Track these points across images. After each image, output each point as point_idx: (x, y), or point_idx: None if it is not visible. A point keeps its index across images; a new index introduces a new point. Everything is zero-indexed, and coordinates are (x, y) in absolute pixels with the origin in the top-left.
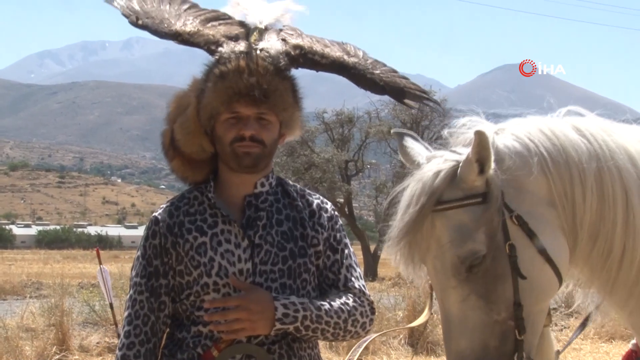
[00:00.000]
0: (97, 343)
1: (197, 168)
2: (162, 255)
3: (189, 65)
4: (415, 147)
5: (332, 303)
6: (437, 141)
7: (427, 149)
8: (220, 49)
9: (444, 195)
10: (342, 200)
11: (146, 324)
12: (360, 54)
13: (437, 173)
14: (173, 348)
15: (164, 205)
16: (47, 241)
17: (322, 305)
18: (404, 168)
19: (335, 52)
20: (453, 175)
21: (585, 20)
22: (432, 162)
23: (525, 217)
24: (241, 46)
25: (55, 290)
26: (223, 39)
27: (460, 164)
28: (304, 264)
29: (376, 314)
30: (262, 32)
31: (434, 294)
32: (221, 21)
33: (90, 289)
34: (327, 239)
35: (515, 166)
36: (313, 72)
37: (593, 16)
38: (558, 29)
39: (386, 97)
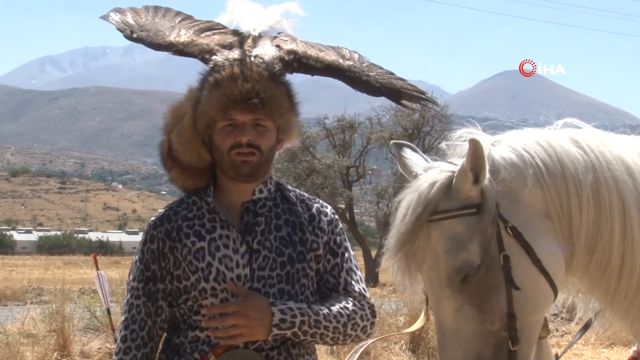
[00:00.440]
0: (98, 349)
1: (197, 176)
2: (159, 260)
3: (191, 72)
4: (414, 158)
5: (331, 307)
6: (438, 146)
7: (425, 159)
8: (214, 57)
9: (440, 206)
10: (343, 206)
11: (143, 329)
12: (356, 57)
13: (433, 184)
14: (170, 353)
15: (163, 210)
16: (48, 247)
17: (321, 310)
18: (404, 179)
19: (330, 56)
20: (449, 186)
21: (586, 27)
22: (428, 173)
23: (520, 229)
24: (235, 54)
25: (56, 296)
26: (217, 48)
27: (456, 173)
28: (303, 269)
29: (377, 319)
30: (256, 39)
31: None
32: (215, 31)
33: (91, 294)
34: (327, 243)
35: (511, 177)
36: (315, 78)
37: (595, 23)
38: (559, 36)
39: (387, 103)
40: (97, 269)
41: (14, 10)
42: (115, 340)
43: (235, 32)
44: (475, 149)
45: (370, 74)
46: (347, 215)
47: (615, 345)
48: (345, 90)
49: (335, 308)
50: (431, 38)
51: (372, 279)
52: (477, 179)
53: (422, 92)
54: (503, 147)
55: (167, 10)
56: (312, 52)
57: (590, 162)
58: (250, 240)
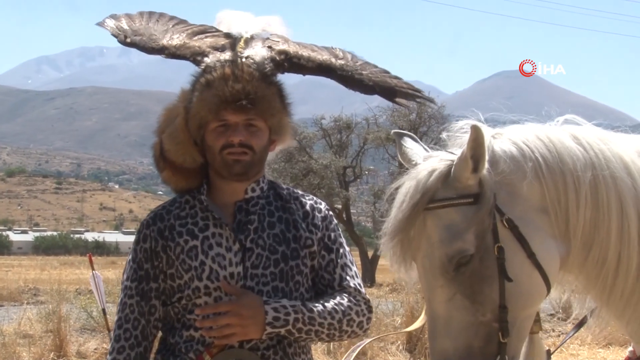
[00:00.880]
0: (95, 349)
1: (189, 177)
2: (152, 259)
3: (187, 72)
4: (414, 148)
5: (326, 304)
6: (435, 147)
7: (425, 149)
8: (205, 59)
9: (437, 194)
10: (340, 206)
11: (136, 328)
12: (349, 56)
13: (432, 172)
14: (166, 353)
15: (156, 209)
16: (44, 247)
17: (315, 306)
18: (402, 167)
19: (322, 56)
20: (447, 175)
21: (584, 28)
22: (427, 161)
23: (516, 222)
24: (227, 55)
25: (52, 296)
26: (209, 50)
27: (455, 161)
28: (297, 266)
29: (374, 319)
30: (248, 41)
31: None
32: (208, 34)
33: (88, 295)
34: (322, 239)
35: (510, 170)
36: (311, 79)
37: (593, 24)
38: (557, 36)
39: (384, 103)
40: (93, 269)
41: (10, 10)
42: (111, 340)
43: (228, 35)
44: (476, 136)
45: (364, 72)
46: (344, 216)
47: (612, 345)
48: (341, 90)
49: (330, 304)
50: (428, 38)
51: (369, 279)
52: (476, 168)
53: (417, 90)
54: (504, 139)
55: (162, 15)
56: (303, 52)
57: (590, 159)
58: (243, 239)
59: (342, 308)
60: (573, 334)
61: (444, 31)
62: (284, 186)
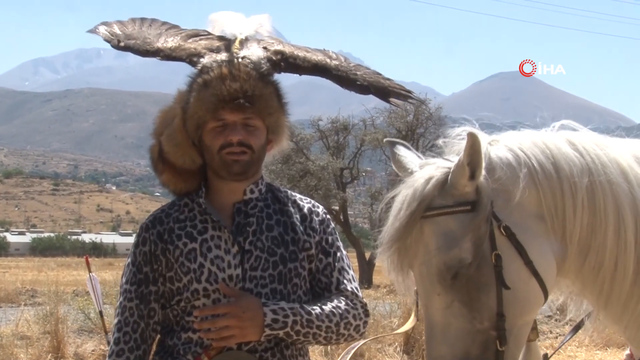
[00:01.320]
0: (92, 351)
1: (188, 179)
2: (152, 262)
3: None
4: (408, 156)
5: (323, 307)
6: (432, 149)
7: (419, 157)
8: (202, 59)
9: (434, 202)
10: (337, 207)
11: (136, 331)
12: (342, 58)
13: (429, 180)
14: (164, 355)
15: (155, 213)
16: (41, 249)
17: (313, 309)
18: (398, 176)
19: (317, 56)
20: (444, 182)
21: (582, 30)
22: (424, 169)
23: (513, 229)
24: (223, 55)
25: (50, 297)
26: (205, 51)
27: (452, 168)
28: (295, 268)
29: (372, 321)
30: (243, 42)
31: (419, 300)
32: (202, 37)
33: (85, 296)
34: (319, 243)
35: (506, 177)
36: (308, 80)
37: (590, 25)
38: (554, 38)
39: (381, 105)
40: (90, 271)
41: (7, 11)
42: (108, 342)
43: (222, 37)
44: (473, 142)
45: (358, 73)
46: (341, 217)
47: (609, 347)
48: (338, 92)
49: (327, 307)
50: (425, 40)
51: (366, 280)
52: (473, 175)
53: (409, 92)
54: (500, 146)
55: (154, 20)
56: (299, 52)
57: (586, 164)
58: (241, 241)
59: (340, 311)
60: (570, 337)
61: (440, 32)
62: (282, 189)
